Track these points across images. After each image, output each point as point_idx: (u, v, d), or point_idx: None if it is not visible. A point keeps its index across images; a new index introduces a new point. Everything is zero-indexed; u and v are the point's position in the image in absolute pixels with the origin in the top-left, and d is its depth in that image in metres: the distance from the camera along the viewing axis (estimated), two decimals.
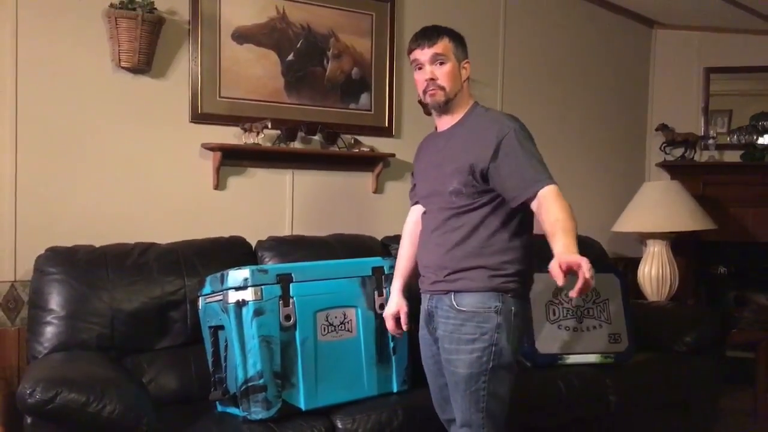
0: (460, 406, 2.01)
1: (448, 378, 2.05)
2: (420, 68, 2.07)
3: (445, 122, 2.13)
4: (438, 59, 2.04)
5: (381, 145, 3.41)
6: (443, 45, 2.04)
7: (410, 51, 2.09)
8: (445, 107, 2.08)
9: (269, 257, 2.80)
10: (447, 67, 2.04)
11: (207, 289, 2.37)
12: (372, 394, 2.40)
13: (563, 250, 1.74)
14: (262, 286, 2.21)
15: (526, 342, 2.78)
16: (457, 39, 2.09)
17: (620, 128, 4.39)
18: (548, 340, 2.88)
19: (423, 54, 2.05)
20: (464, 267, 1.99)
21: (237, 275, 2.22)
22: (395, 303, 2.27)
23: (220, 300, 2.26)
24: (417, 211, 2.28)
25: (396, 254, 2.97)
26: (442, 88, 2.04)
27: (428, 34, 2.06)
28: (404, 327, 2.27)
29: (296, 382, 2.24)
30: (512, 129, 1.97)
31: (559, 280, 1.71)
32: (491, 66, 3.76)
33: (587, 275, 1.68)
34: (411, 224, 2.32)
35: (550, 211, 1.84)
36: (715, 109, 4.41)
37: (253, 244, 2.87)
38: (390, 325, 2.28)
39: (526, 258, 2.03)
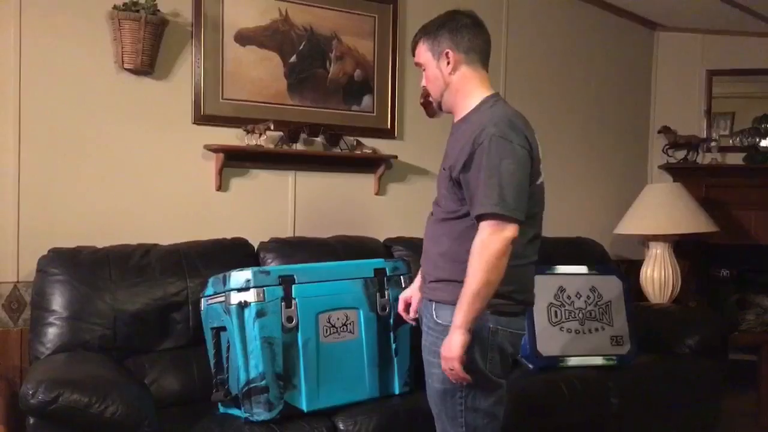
0: (437, 417, 1.94)
1: (427, 391, 1.97)
2: None
3: (456, 117, 1.99)
4: (421, 68, 1.97)
5: (383, 146, 3.41)
6: (419, 52, 1.96)
7: None
8: (444, 110, 1.99)
9: (271, 259, 2.80)
10: (427, 73, 1.95)
11: (209, 290, 2.37)
12: (374, 396, 2.40)
13: (450, 334, 1.79)
14: (265, 288, 2.21)
15: (527, 346, 2.78)
16: (431, 32, 1.92)
17: (622, 130, 4.39)
18: (550, 342, 2.87)
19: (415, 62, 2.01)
20: (441, 278, 1.89)
21: (239, 276, 2.22)
22: (410, 288, 2.16)
23: (222, 301, 2.26)
24: None
25: (398, 256, 3.00)
26: (430, 95, 1.98)
27: (412, 44, 2.00)
28: (412, 314, 2.13)
29: (298, 384, 2.24)
30: (489, 137, 1.77)
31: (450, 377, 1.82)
32: (493, 68, 3.71)
33: (443, 368, 1.81)
34: None
35: (469, 263, 1.76)
36: (717, 111, 4.41)
37: (256, 245, 2.88)
38: (399, 306, 2.17)
39: (515, 279, 1.84)
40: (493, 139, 1.76)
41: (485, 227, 1.75)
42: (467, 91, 1.91)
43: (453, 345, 1.77)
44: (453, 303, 1.81)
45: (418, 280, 2.10)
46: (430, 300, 1.92)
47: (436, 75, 1.92)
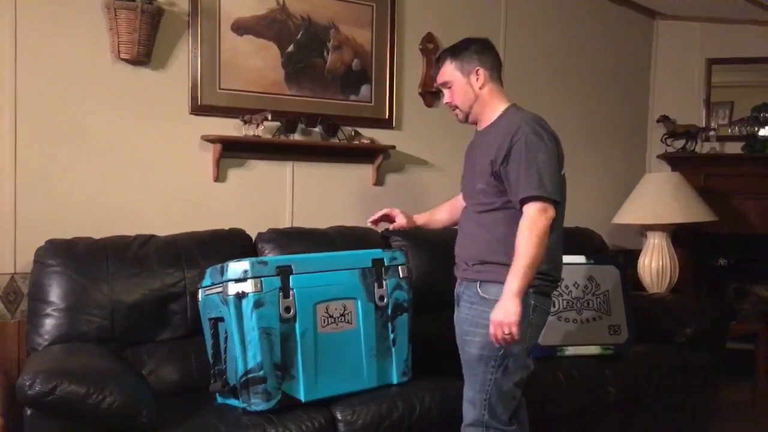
0: (469, 384, 2.16)
1: (462, 358, 2.18)
2: None
3: (480, 125, 2.25)
4: (445, 85, 2.22)
5: (381, 137, 3.40)
6: (444, 71, 2.21)
7: None
8: (470, 120, 2.23)
9: (269, 249, 2.80)
10: (453, 89, 2.20)
11: (207, 281, 2.37)
12: (372, 386, 2.40)
13: (500, 302, 1.99)
14: (262, 278, 2.21)
15: None
16: (459, 53, 2.19)
17: (621, 120, 4.38)
18: (548, 331, 2.84)
19: (437, 83, 2.27)
20: (489, 260, 2.10)
21: (237, 267, 2.21)
22: (403, 215, 2.49)
23: (220, 292, 2.25)
24: (460, 197, 2.42)
25: (396, 246, 3.00)
26: (456, 107, 2.22)
27: (435, 63, 2.28)
28: (374, 217, 2.50)
29: (296, 374, 2.24)
30: (524, 134, 2.05)
31: (495, 341, 2.02)
32: None
33: (493, 332, 2.00)
34: (453, 199, 2.50)
35: (519, 239, 2.00)
36: (716, 100, 4.40)
37: (253, 236, 2.87)
38: (377, 214, 2.50)
39: (551, 258, 2.10)
40: (528, 136, 2.05)
41: (531, 208, 2.01)
42: (493, 103, 2.20)
43: (511, 311, 1.96)
44: (497, 281, 2.05)
45: (420, 217, 2.51)
46: (474, 280, 2.14)
47: (466, 90, 2.18)
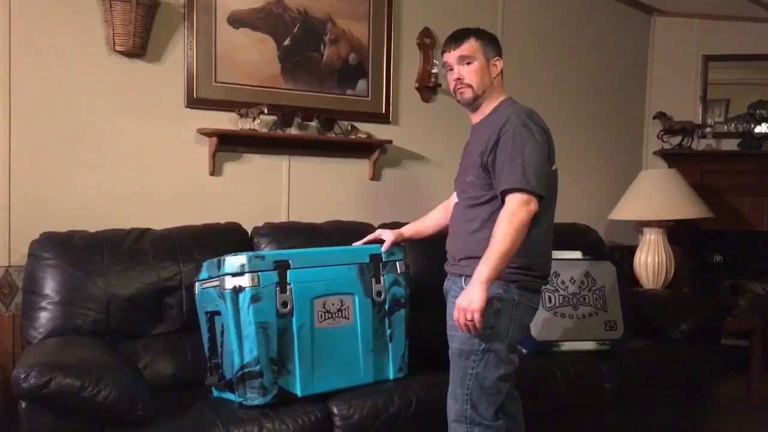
0: (451, 379, 2.16)
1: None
2: (450, 69, 2.19)
3: (476, 117, 2.24)
4: (465, 60, 2.15)
5: (378, 131, 3.39)
6: (469, 46, 2.15)
7: (442, 54, 2.23)
8: (474, 104, 2.19)
9: (265, 244, 2.79)
10: (473, 66, 2.15)
11: (204, 274, 2.36)
12: (368, 381, 2.40)
13: (466, 288, 2.00)
14: (259, 273, 2.20)
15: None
16: (486, 38, 2.18)
17: (618, 116, 4.38)
18: (544, 327, 2.88)
19: (451, 56, 2.18)
20: (474, 255, 2.06)
21: (234, 261, 2.20)
22: (386, 231, 2.50)
23: (217, 285, 2.24)
24: (454, 196, 2.41)
25: None
26: (469, 86, 2.15)
27: (455, 37, 2.18)
28: (360, 242, 2.52)
29: (292, 369, 2.24)
30: (513, 125, 2.05)
31: (458, 326, 2.02)
32: None
33: (456, 317, 2.00)
34: (446, 200, 2.49)
35: (496, 230, 1.99)
36: (713, 97, 4.40)
37: (249, 230, 2.86)
38: (371, 236, 2.53)
39: (536, 253, 2.09)
40: (517, 128, 2.04)
41: (512, 199, 1.99)
42: (496, 95, 2.20)
43: (476, 297, 1.95)
44: None
45: (408, 228, 2.52)
46: (460, 275, 2.14)
47: (485, 72, 2.16)
